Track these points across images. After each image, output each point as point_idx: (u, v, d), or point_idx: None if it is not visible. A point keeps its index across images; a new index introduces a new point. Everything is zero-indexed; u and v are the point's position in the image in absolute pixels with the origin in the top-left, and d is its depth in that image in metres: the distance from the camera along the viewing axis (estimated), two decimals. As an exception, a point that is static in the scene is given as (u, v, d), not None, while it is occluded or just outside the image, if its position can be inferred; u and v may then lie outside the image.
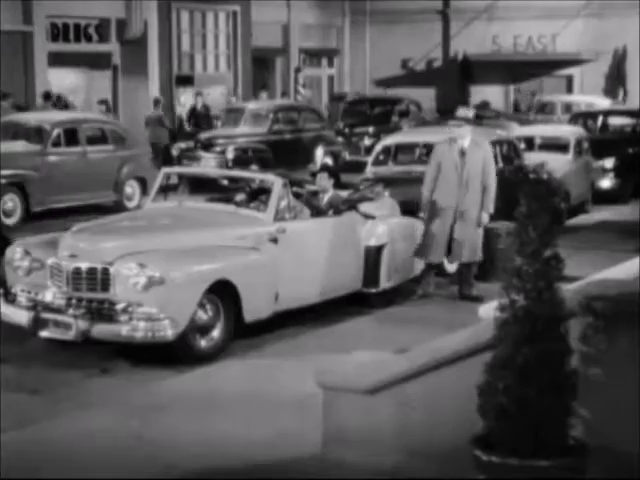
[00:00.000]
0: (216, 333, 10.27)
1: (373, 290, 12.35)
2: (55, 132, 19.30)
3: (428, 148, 15.60)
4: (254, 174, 13.88)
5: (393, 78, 36.70)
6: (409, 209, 13.62)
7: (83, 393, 9.16)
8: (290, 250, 11.22)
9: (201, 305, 10.08)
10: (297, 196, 12.38)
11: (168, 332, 9.76)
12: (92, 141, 19.97)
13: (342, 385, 6.93)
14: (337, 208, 12.44)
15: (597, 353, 6.20)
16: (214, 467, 7.25)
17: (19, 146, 19.15)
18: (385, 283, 12.44)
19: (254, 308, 10.63)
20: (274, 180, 11.66)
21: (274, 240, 11.10)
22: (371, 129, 27.70)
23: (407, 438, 6.75)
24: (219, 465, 7.28)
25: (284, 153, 23.92)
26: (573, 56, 34.12)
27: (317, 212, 12.32)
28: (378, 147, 17.03)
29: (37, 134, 19.41)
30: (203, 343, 10.18)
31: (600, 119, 24.72)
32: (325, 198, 12.59)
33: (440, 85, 35.64)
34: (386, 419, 6.79)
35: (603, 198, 20.79)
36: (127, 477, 7.09)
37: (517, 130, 22.35)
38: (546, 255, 5.52)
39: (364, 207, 12.72)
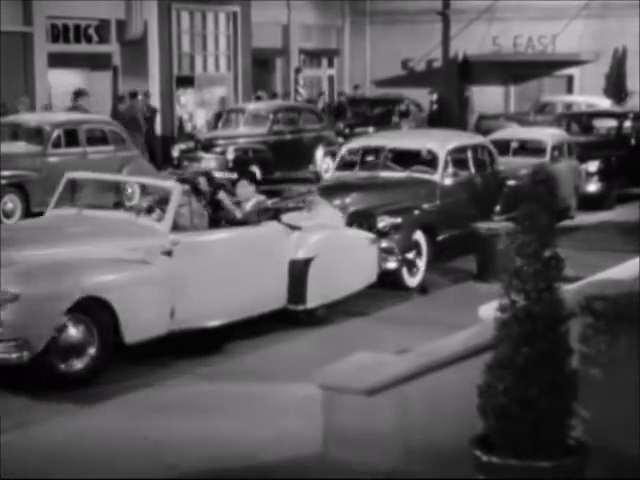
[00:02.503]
0: (91, 354, 9.41)
1: (300, 308, 11.36)
2: (55, 133, 19.30)
3: (396, 153, 15.38)
4: (152, 181, 12.34)
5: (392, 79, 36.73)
6: (366, 219, 13.23)
7: (83, 393, 9.15)
8: (189, 263, 10.32)
9: (70, 324, 9.27)
10: (213, 204, 11.60)
11: (21, 353, 8.95)
12: (92, 142, 19.96)
13: (342, 385, 6.93)
14: (256, 218, 11.48)
15: (597, 353, 6.21)
16: (215, 467, 7.25)
17: (19, 147, 19.15)
18: (314, 300, 11.41)
19: (139, 327, 9.80)
20: (172, 187, 10.77)
21: (168, 253, 10.20)
22: (371, 129, 27.70)
23: (407, 438, 6.75)
24: (220, 465, 7.29)
25: (284, 154, 23.92)
26: (573, 56, 34.11)
27: (232, 222, 11.41)
28: (343, 151, 16.10)
29: (37, 135, 19.41)
30: (78, 365, 9.34)
31: (584, 121, 24.20)
32: (247, 206, 11.74)
33: (440, 85, 35.62)
34: (386, 419, 6.79)
35: (587, 203, 19.81)
36: (128, 478, 7.09)
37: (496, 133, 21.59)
38: (546, 255, 5.52)
39: (291, 217, 11.76)
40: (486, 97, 35.01)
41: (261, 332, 11.26)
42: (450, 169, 14.93)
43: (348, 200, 13.81)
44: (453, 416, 6.54)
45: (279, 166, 23.90)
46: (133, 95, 26.01)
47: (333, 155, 25.54)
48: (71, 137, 19.54)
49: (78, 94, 24.11)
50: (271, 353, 10.51)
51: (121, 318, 9.58)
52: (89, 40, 27.61)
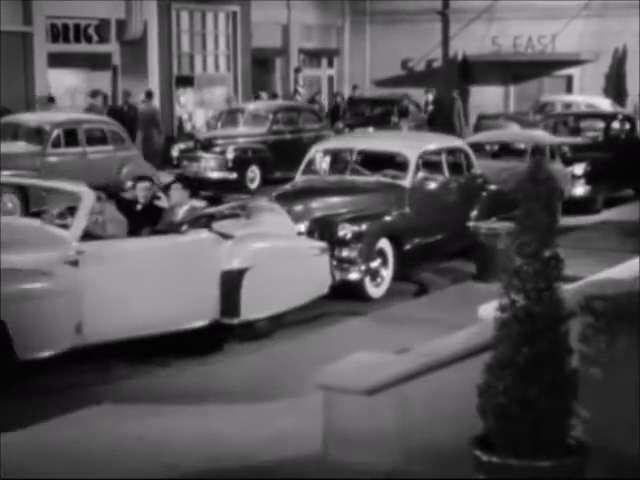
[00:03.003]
0: None
1: (235, 321, 10.66)
2: (55, 133, 19.31)
3: (366, 156, 14.70)
4: (63, 185, 11.25)
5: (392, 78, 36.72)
6: (326, 227, 12.69)
7: (83, 393, 9.15)
8: (98, 274, 9.69)
9: None
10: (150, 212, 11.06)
11: None
12: (92, 142, 19.97)
13: (342, 385, 6.93)
14: (183, 225, 10.69)
15: (597, 353, 6.20)
16: (214, 467, 7.25)
17: (19, 147, 19.16)
18: (250, 313, 10.70)
19: (35, 342, 9.21)
20: (83, 192, 10.06)
21: (74, 262, 9.56)
22: (371, 129, 27.70)
23: (407, 438, 6.75)
24: (219, 465, 7.28)
25: (284, 153, 23.91)
26: (573, 56, 34.11)
27: (156, 230, 10.74)
28: (311, 153, 15.28)
29: (37, 135, 19.42)
30: None
31: (571, 122, 23.68)
32: (180, 213, 10.99)
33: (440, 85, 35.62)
34: (386, 419, 6.79)
35: (574, 207, 18.83)
36: (127, 478, 7.09)
37: (474, 136, 21.36)
38: (546, 255, 5.52)
39: (225, 225, 10.93)
40: (486, 97, 35.03)
41: (262, 334, 11.26)
42: (422, 173, 14.30)
43: (309, 206, 13.10)
44: (453, 416, 6.54)
45: (279, 166, 23.89)
46: (149, 95, 26.13)
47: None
48: (71, 137, 19.56)
49: (94, 94, 24.18)
50: (271, 353, 10.51)
51: (12, 333, 8.96)
52: (89, 40, 27.61)
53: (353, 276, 12.59)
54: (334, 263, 12.30)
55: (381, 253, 13.05)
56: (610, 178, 20.48)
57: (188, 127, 29.67)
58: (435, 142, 15.53)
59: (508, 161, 18.27)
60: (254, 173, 23.68)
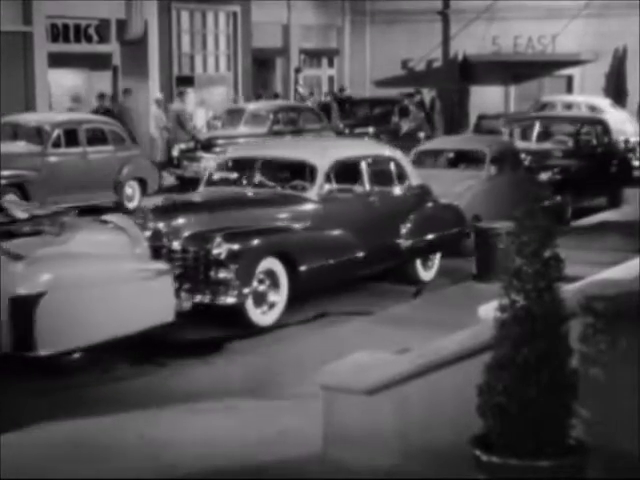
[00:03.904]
0: None
1: (31, 354, 9.11)
2: (55, 133, 19.33)
3: (275, 164, 13.48)
4: None
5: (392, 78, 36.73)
6: (200, 245, 11.30)
7: (83, 393, 9.15)
8: None
9: None
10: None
11: None
12: (92, 142, 19.99)
13: (342, 385, 6.93)
14: None
15: (597, 353, 6.20)
16: (214, 467, 7.25)
17: (19, 147, 19.17)
18: (52, 345, 9.15)
19: None
20: None
21: None
22: (371, 129, 27.70)
23: (407, 438, 6.75)
24: (219, 465, 7.28)
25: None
26: (573, 56, 34.12)
27: None
28: (218, 161, 14.09)
29: (37, 135, 19.44)
30: None
31: (537, 127, 21.67)
32: None
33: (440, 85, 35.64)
34: (386, 419, 6.79)
35: None
36: (128, 477, 7.10)
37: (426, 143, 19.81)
38: (546, 255, 5.52)
39: (22, 243, 9.55)
40: (486, 97, 35.02)
41: (261, 332, 11.27)
42: (333, 185, 12.77)
43: (188, 221, 11.67)
44: (453, 416, 6.54)
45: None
46: (181, 94, 26.32)
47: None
48: (71, 137, 19.57)
49: (102, 96, 24.23)
50: (271, 353, 10.52)
51: None
52: (89, 40, 27.61)
53: (227, 300, 11.10)
54: (210, 285, 11.06)
55: (271, 275, 11.59)
56: (580, 187, 19.07)
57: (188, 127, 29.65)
58: (354, 149, 14.20)
59: (464, 170, 17.03)
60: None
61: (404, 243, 13.48)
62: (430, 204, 14.22)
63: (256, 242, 11.55)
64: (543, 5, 33.82)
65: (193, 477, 7.13)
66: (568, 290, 6.10)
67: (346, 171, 13.21)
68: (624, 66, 33.77)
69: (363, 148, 14.70)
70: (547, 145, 20.91)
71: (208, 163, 22.86)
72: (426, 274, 14.03)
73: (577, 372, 5.57)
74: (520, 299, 5.49)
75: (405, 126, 28.77)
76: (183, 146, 24.41)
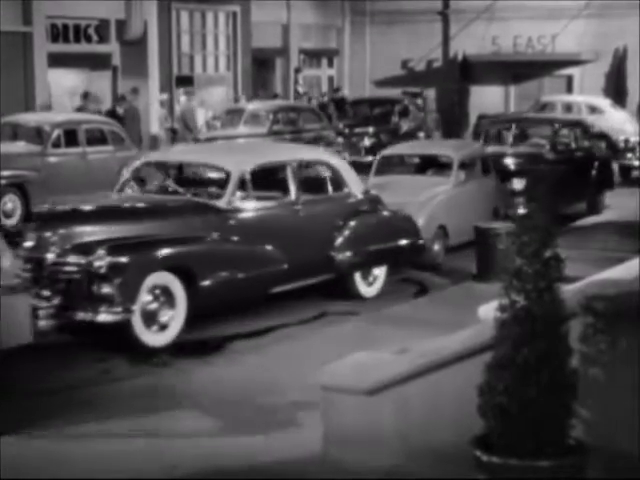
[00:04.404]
0: None
1: None
2: (55, 133, 19.31)
3: (193, 170, 13.06)
4: None
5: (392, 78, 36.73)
6: (83, 257, 10.34)
7: (83, 393, 9.15)
8: None
9: None
10: None
11: None
12: (92, 142, 19.97)
13: (342, 385, 6.93)
14: None
15: (597, 353, 6.20)
16: (214, 467, 7.25)
17: (19, 147, 19.16)
18: None
19: None
20: None
21: None
22: (371, 129, 27.70)
23: (407, 438, 6.75)
24: (219, 465, 7.28)
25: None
26: (573, 56, 34.12)
27: None
28: (135, 165, 12.97)
29: (37, 135, 19.43)
30: None
31: (513, 129, 20.44)
32: None
33: (440, 85, 35.65)
34: (386, 419, 6.79)
35: None
36: (128, 477, 7.10)
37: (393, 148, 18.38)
38: (546, 255, 5.52)
39: None
40: (486, 97, 35.02)
41: (261, 332, 11.27)
42: (250, 192, 11.84)
43: (70, 231, 10.69)
44: (453, 416, 6.54)
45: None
46: (188, 93, 26.44)
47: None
48: (71, 137, 19.55)
49: (86, 96, 24.23)
50: (271, 353, 10.51)
51: None
52: (89, 40, 27.60)
53: (108, 318, 10.14)
54: (92, 301, 10.14)
55: (165, 291, 10.63)
56: (558, 193, 16.51)
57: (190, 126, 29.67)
58: (279, 154, 13.10)
59: (430, 177, 16.17)
60: None
61: (338, 255, 12.48)
62: (374, 213, 13.25)
63: (144, 255, 10.55)
64: (543, 5, 33.82)
65: (193, 477, 7.13)
66: (568, 290, 6.10)
67: (270, 178, 12.46)
68: (624, 66, 33.77)
69: (292, 153, 13.33)
70: (522, 149, 19.66)
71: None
72: (368, 290, 12.94)
73: (577, 372, 5.57)
74: (520, 299, 5.49)
75: (405, 126, 28.77)
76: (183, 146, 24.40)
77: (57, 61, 26.26)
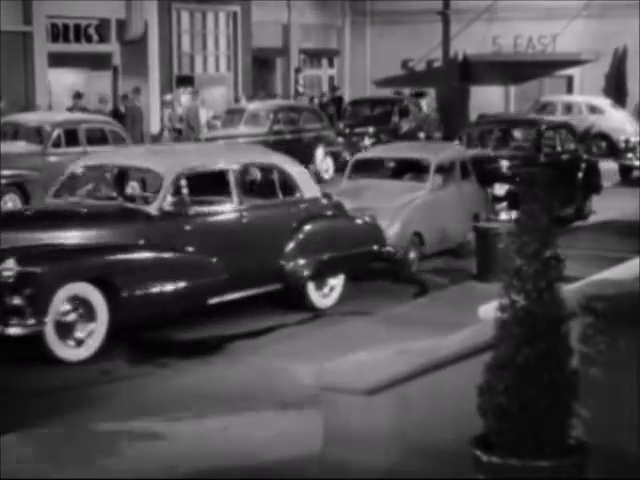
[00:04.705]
0: None
1: None
2: (55, 132, 19.31)
3: (128, 174, 12.53)
4: None
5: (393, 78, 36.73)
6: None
7: (83, 393, 9.16)
8: None
9: None
10: None
11: None
12: (92, 141, 19.96)
13: (342, 385, 6.93)
14: None
15: (597, 353, 6.20)
16: (214, 467, 7.25)
17: (19, 146, 19.16)
18: None
19: None
20: None
21: None
22: (371, 129, 27.70)
23: (407, 438, 6.74)
24: (219, 465, 7.29)
25: (284, 153, 23.89)
26: (573, 56, 34.13)
27: None
28: (71, 169, 12.20)
29: (37, 134, 19.43)
30: None
31: (496, 132, 19.69)
32: None
33: (440, 85, 35.65)
34: (386, 419, 6.79)
35: None
36: (128, 477, 7.10)
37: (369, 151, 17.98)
38: (546, 255, 5.52)
39: None
40: (486, 97, 35.04)
41: (261, 332, 11.27)
42: (186, 197, 11.13)
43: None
44: (453, 416, 6.54)
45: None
46: (194, 93, 26.51)
47: (333, 155, 25.63)
48: (71, 137, 19.54)
49: (77, 95, 24.23)
50: (271, 353, 10.51)
51: None
52: (89, 40, 27.63)
53: (17, 331, 9.63)
54: (2, 313, 9.61)
55: (84, 303, 10.06)
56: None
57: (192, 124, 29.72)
58: (219, 157, 12.18)
59: (406, 182, 15.29)
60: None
61: (288, 264, 11.80)
62: (331, 219, 12.61)
63: (57, 264, 9.98)
64: (543, 5, 33.83)
65: (193, 477, 7.14)
66: (568, 290, 6.10)
67: (212, 182, 11.80)
68: (624, 66, 33.79)
69: (235, 156, 12.29)
70: (505, 152, 18.87)
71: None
72: (323, 300, 12.26)
73: (577, 372, 5.57)
74: (520, 299, 5.49)
75: (405, 126, 28.77)
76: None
77: (57, 61, 26.29)
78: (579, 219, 18.72)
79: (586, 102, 31.98)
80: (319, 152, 25.16)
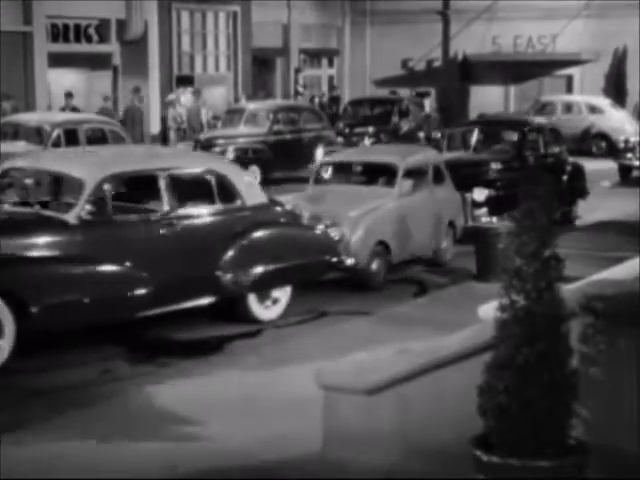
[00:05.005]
0: None
1: None
2: (55, 133, 19.30)
3: (50, 179, 11.83)
4: None
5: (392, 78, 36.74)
6: None
7: (84, 394, 9.16)
8: None
9: None
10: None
11: None
12: (92, 142, 19.95)
13: (342, 385, 6.93)
14: None
15: (597, 353, 6.21)
16: (214, 467, 7.26)
17: (19, 146, 19.15)
18: None
19: None
20: None
21: None
22: (371, 129, 27.71)
23: (407, 438, 6.75)
24: (220, 465, 7.29)
25: (284, 153, 23.94)
26: (573, 56, 34.13)
27: None
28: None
29: (37, 134, 19.42)
30: None
31: (478, 134, 18.79)
32: None
33: (440, 85, 35.66)
34: (386, 419, 6.79)
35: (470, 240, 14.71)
36: (128, 477, 7.10)
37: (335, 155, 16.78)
38: (546, 255, 5.52)
39: None
40: (486, 97, 35.04)
41: (261, 332, 11.28)
42: (108, 205, 10.48)
43: None
44: (453, 416, 6.54)
45: (279, 166, 23.92)
46: (197, 92, 26.57)
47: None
48: (71, 137, 19.54)
49: (69, 95, 24.23)
50: (271, 353, 10.52)
51: None
52: (89, 40, 27.63)
53: None
54: None
55: None
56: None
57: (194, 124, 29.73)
58: (144, 162, 11.54)
59: (372, 187, 14.41)
60: (254, 173, 23.70)
61: (225, 276, 11.11)
62: (276, 227, 11.92)
63: None
64: (543, 5, 33.84)
65: (193, 477, 7.14)
66: (568, 290, 6.10)
67: (140, 188, 11.32)
68: (624, 66, 33.80)
69: (166, 160, 11.71)
70: (484, 155, 18.00)
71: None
72: (265, 312, 11.60)
73: (577, 372, 5.57)
74: (520, 299, 5.49)
75: (405, 126, 28.77)
76: (182, 146, 24.44)
77: (57, 61, 26.28)
78: (564, 224, 17.20)
79: (586, 102, 32.00)
80: (319, 152, 25.16)
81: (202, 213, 11.32)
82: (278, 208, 12.28)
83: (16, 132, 19.74)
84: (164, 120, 27.82)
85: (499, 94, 35.85)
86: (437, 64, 36.71)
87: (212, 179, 11.47)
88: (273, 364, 10.04)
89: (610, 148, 28.91)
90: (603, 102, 31.98)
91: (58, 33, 26.69)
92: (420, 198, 14.35)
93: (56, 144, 19.30)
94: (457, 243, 15.32)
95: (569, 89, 35.31)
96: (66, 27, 26.89)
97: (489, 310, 6.20)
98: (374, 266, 13.23)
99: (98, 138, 20.17)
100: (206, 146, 23.60)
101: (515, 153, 18.00)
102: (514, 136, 18.71)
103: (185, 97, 29.76)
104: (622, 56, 33.78)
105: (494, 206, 15.83)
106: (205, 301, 11.15)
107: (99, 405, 8.79)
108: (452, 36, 36.02)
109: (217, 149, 23.44)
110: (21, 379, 9.52)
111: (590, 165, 27.92)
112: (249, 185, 11.97)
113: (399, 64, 37.05)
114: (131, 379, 9.62)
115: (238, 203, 11.58)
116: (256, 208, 11.71)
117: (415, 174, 14.56)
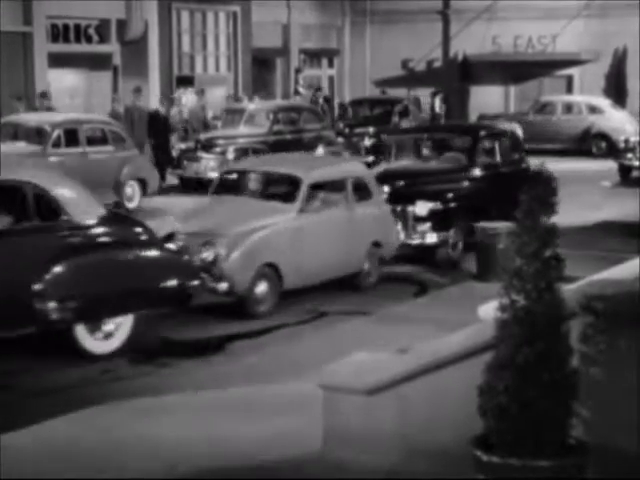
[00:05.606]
0: None
1: None
2: (55, 133, 19.31)
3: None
4: None
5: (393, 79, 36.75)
6: None
7: (83, 393, 9.16)
8: None
9: None
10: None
11: None
12: (92, 142, 19.97)
13: (342, 385, 6.93)
14: None
15: (597, 353, 6.21)
16: (215, 467, 7.25)
17: (20, 147, 19.15)
18: None
19: None
20: None
21: None
22: (371, 129, 27.71)
23: (407, 438, 6.75)
24: (220, 465, 7.29)
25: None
26: (573, 56, 34.13)
27: None
28: None
29: (37, 135, 19.42)
30: None
31: (425, 141, 17.30)
32: None
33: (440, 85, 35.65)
34: (386, 419, 6.79)
35: (421, 261, 14.43)
36: (128, 477, 7.10)
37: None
38: (546, 255, 5.52)
39: None
40: (486, 97, 35.04)
41: (261, 332, 11.28)
42: None
43: None
44: (453, 416, 6.55)
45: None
46: (201, 92, 26.63)
47: (333, 155, 25.60)
48: (71, 137, 19.55)
49: (43, 95, 24.18)
50: (271, 353, 10.52)
51: None
52: (89, 40, 27.62)
53: None
54: None
55: None
56: (476, 217, 14.34)
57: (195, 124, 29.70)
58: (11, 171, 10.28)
59: (268, 202, 12.89)
60: None
61: (41, 304, 9.64)
62: (110, 249, 10.40)
63: None
64: (543, 5, 33.83)
65: (193, 477, 7.14)
66: (568, 290, 6.10)
67: None
68: (624, 66, 33.79)
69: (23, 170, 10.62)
70: (431, 164, 16.50)
71: (208, 163, 22.92)
72: (99, 344, 10.23)
73: (577, 372, 5.57)
74: (520, 299, 5.49)
75: (405, 126, 28.76)
76: (183, 146, 24.42)
77: (57, 61, 26.28)
78: None
79: (586, 102, 31.98)
80: (319, 152, 25.14)
81: (15, 232, 9.86)
82: (118, 226, 10.74)
83: (16, 132, 19.74)
84: (166, 120, 27.83)
85: (499, 94, 35.84)
86: (437, 64, 36.71)
87: (29, 193, 9.95)
88: (273, 364, 10.05)
89: (610, 148, 28.91)
90: (603, 102, 31.96)
91: (58, 33, 26.69)
92: (332, 215, 12.90)
93: (56, 144, 19.32)
94: (398, 262, 14.14)
95: (569, 89, 35.30)
96: (66, 27, 26.89)
97: (489, 310, 6.20)
98: (259, 291, 11.81)
99: (98, 138, 20.19)
100: (206, 146, 23.61)
101: (466, 162, 16.21)
102: (468, 143, 16.78)
103: (186, 97, 29.78)
104: (622, 56, 33.76)
105: (438, 221, 14.46)
106: (21, 332, 9.70)
107: (99, 405, 8.78)
108: (452, 36, 36.01)
109: (217, 149, 23.44)
110: (21, 379, 9.53)
111: (590, 165, 28.05)
112: (76, 200, 10.38)
113: (399, 64, 37.04)
114: (131, 379, 9.62)
115: (64, 219, 10.11)
116: (87, 227, 10.28)
117: (327, 188, 13.17)
